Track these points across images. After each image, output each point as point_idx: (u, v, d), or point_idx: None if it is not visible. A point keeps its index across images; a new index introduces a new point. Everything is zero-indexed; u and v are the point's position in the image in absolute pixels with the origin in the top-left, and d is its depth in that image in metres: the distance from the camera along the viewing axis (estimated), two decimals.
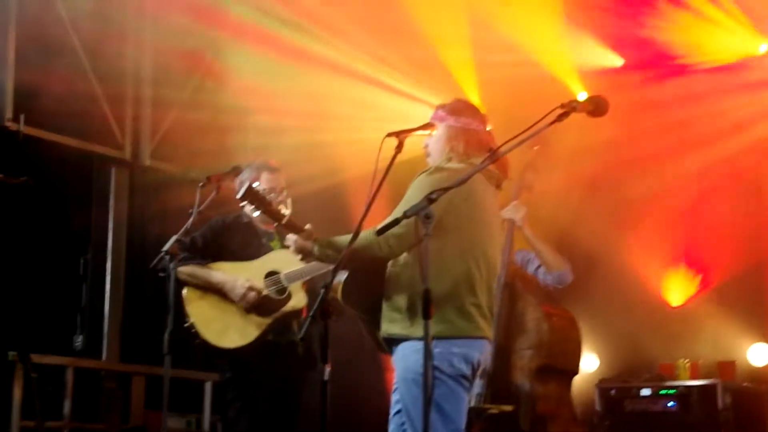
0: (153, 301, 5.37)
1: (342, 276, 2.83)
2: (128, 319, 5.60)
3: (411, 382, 2.73)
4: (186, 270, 3.56)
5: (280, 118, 5.48)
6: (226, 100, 5.63)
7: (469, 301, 2.77)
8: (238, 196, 2.96)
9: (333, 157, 5.46)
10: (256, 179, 3.68)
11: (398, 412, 2.82)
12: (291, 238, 2.86)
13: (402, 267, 2.77)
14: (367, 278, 2.79)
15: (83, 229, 5.59)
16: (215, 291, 3.58)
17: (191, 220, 3.40)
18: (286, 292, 3.59)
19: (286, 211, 2.89)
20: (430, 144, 2.94)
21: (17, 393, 4.61)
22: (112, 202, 5.63)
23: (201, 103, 5.62)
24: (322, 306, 2.66)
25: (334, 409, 2.75)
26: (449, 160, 2.86)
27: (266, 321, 3.54)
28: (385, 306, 2.79)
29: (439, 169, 2.82)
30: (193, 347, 3.58)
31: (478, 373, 2.85)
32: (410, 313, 2.72)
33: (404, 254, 2.77)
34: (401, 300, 2.75)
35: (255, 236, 3.72)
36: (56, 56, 5.03)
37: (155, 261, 3.48)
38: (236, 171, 3.64)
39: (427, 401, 2.46)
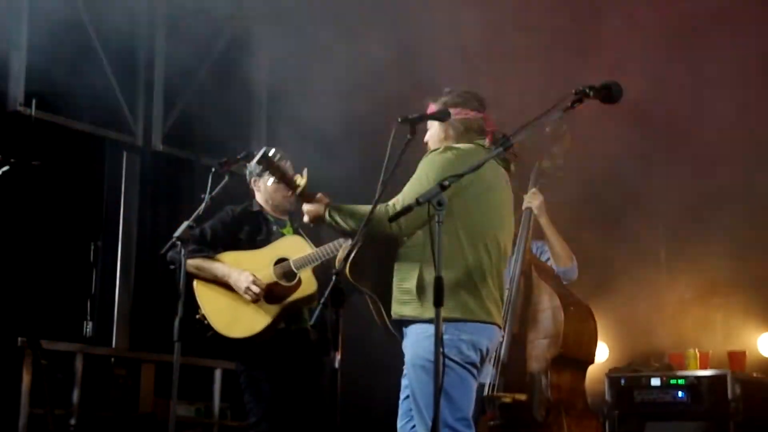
0: (163, 288, 5.37)
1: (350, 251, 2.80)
2: (138, 306, 5.61)
3: (420, 369, 2.72)
4: (193, 263, 3.57)
5: (296, 104, 5.46)
6: (238, 86, 5.62)
7: (480, 285, 2.76)
8: (255, 160, 2.95)
9: None
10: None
11: (407, 397, 2.81)
12: (305, 206, 2.85)
13: (413, 248, 2.76)
14: (377, 255, 2.76)
15: (94, 214, 5.60)
16: (223, 283, 3.59)
17: (203, 205, 3.40)
18: (296, 278, 3.59)
19: (301, 180, 2.88)
20: (427, 137, 2.94)
21: (26, 379, 4.62)
22: (123, 187, 5.65)
23: (214, 88, 5.61)
24: (333, 292, 2.66)
25: (345, 396, 2.75)
26: (455, 141, 2.85)
27: (276, 309, 3.55)
28: (395, 287, 2.78)
29: (448, 148, 2.82)
30: (205, 340, 3.58)
31: (487, 359, 2.84)
32: (421, 295, 2.71)
33: (416, 235, 2.75)
34: (411, 281, 2.73)
35: (265, 224, 3.72)
36: (68, 40, 5.02)
37: (166, 247, 3.49)
38: (249, 157, 3.62)
39: (438, 390, 2.46)
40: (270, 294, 3.56)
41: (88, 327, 5.46)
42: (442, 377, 2.51)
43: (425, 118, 2.94)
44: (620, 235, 5.37)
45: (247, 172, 3.79)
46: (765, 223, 5.08)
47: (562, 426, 3.62)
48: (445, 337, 2.59)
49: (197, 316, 3.57)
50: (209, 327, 3.56)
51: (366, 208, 2.72)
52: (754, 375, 4.89)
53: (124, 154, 5.67)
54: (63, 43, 5.00)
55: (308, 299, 3.61)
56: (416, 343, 2.74)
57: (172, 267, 3.54)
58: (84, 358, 4.98)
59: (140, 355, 5.39)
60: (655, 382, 4.75)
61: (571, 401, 3.72)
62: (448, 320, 2.62)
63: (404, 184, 2.86)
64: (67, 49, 5.03)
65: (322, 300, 2.72)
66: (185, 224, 3.36)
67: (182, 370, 3.26)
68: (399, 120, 2.80)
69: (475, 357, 2.75)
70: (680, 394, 4.69)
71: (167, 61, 5.61)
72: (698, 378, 4.70)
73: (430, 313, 2.57)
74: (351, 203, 2.87)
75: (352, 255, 2.74)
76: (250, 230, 3.69)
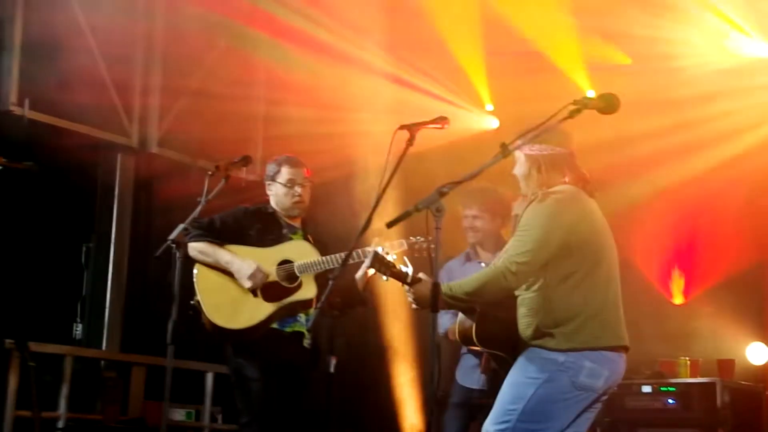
0: (155, 291, 5.36)
1: (466, 320, 2.88)
2: (130, 308, 5.59)
3: (515, 370, 2.75)
4: (197, 246, 3.55)
5: (291, 108, 5.47)
6: (236, 89, 5.61)
7: (609, 313, 2.78)
8: (366, 264, 2.95)
9: (344, 148, 5.46)
10: (278, 172, 3.70)
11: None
12: (412, 292, 2.84)
13: (536, 290, 2.76)
14: (495, 319, 2.81)
15: (87, 216, 5.57)
16: (224, 271, 3.56)
17: (199, 209, 3.39)
18: (297, 281, 3.59)
19: (407, 269, 2.91)
20: (516, 170, 2.95)
21: (13, 382, 4.57)
22: (117, 189, 5.61)
23: (211, 91, 5.59)
24: (328, 298, 2.67)
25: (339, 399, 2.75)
26: (547, 184, 2.85)
27: (273, 307, 3.54)
28: (529, 332, 2.76)
29: (546, 194, 2.82)
30: (197, 329, 3.55)
31: (608, 388, 2.80)
32: (554, 331, 2.71)
33: (533, 279, 2.76)
34: (546, 317, 2.73)
35: (277, 226, 3.71)
36: (63, 40, 4.99)
37: (160, 250, 3.47)
38: (246, 160, 3.64)
39: (433, 395, 2.50)
40: (268, 292, 3.55)
41: (78, 329, 5.43)
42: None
43: (424, 124, 2.96)
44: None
45: (265, 175, 3.79)
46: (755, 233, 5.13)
47: None
48: (568, 360, 2.66)
49: (191, 302, 3.54)
50: (202, 313, 3.52)
51: (474, 279, 2.76)
52: (743, 383, 4.93)
53: (119, 156, 5.64)
54: (57, 43, 4.97)
55: (306, 303, 3.61)
56: (532, 351, 2.74)
57: (173, 247, 3.46)
58: (73, 360, 4.94)
59: (131, 357, 5.36)
60: (646, 389, 4.79)
61: None
62: (575, 349, 2.67)
63: (401, 192, 2.87)
64: (62, 49, 5.00)
65: (319, 305, 2.72)
66: (180, 227, 3.35)
67: (173, 374, 3.25)
68: (398, 127, 2.82)
69: (592, 384, 2.71)
70: (670, 401, 4.73)
71: (164, 63, 5.59)
72: (688, 385, 4.74)
73: (563, 344, 2.67)
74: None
75: (475, 324, 2.84)
76: (261, 228, 3.68)
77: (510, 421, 2.68)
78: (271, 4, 5.30)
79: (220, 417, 5.58)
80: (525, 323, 2.76)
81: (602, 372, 2.71)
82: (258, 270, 3.51)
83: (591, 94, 5.16)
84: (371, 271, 3.48)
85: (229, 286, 3.54)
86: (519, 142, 2.70)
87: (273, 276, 3.58)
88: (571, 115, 2.67)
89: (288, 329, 3.59)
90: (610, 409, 4.80)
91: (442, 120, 2.97)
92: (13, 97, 4.94)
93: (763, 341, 5.16)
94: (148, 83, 5.60)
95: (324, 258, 3.56)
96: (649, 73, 5.25)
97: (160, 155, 5.66)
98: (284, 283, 3.57)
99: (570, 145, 2.90)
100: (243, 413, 3.57)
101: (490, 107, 5.84)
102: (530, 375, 2.70)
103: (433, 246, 2.58)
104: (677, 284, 5.52)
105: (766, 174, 5.13)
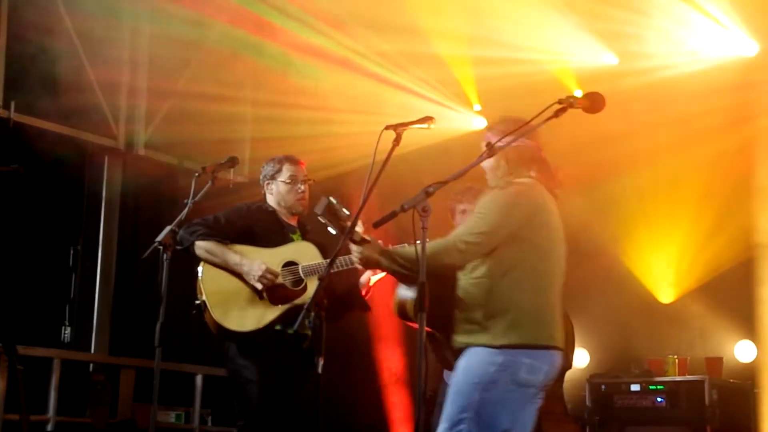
0: (143, 293, 5.34)
1: (406, 292, 2.82)
2: (118, 311, 5.57)
3: (460, 375, 2.73)
4: (204, 245, 3.51)
5: (278, 109, 5.46)
6: (223, 90, 5.60)
7: (547, 311, 2.77)
8: (318, 210, 2.91)
9: (331, 149, 5.46)
10: (279, 171, 3.68)
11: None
12: (356, 249, 2.83)
13: (480, 279, 2.75)
14: (437, 293, 2.73)
15: (74, 219, 5.55)
16: (231, 271, 3.53)
17: (186, 210, 3.38)
18: (303, 284, 3.57)
19: (358, 229, 2.87)
20: (484, 165, 2.92)
21: (1, 385, 4.56)
22: (104, 192, 5.60)
23: (197, 92, 5.58)
24: (316, 298, 2.66)
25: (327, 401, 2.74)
26: (509, 176, 2.84)
27: (279, 309, 3.51)
28: (461, 318, 2.77)
29: (509, 183, 2.81)
30: (191, 329, 3.51)
31: (546, 384, 2.80)
32: (488, 323, 2.71)
33: (482, 268, 2.74)
34: (479, 311, 2.73)
35: (278, 225, 3.70)
36: (49, 42, 4.97)
37: (147, 252, 3.45)
38: (232, 162, 3.62)
39: (421, 393, 2.49)
40: (274, 295, 3.54)
41: (67, 332, 5.40)
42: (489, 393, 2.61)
43: (410, 124, 2.96)
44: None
45: (261, 176, 3.77)
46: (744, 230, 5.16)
47: (541, 431, 3.63)
48: (506, 358, 2.66)
49: (197, 302, 3.51)
50: (205, 313, 3.49)
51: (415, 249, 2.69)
52: (731, 381, 4.96)
53: (106, 158, 5.62)
54: (43, 46, 4.95)
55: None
56: (472, 355, 2.73)
57: (179, 248, 3.45)
58: (62, 364, 4.93)
59: (119, 360, 5.34)
60: (635, 387, 4.82)
61: (550, 407, 3.73)
62: (511, 346, 2.67)
63: (389, 191, 2.87)
64: (48, 52, 4.98)
65: (306, 306, 2.71)
66: (167, 229, 3.34)
67: (163, 376, 3.24)
68: (384, 127, 2.82)
69: (532, 380, 2.73)
70: (659, 399, 4.75)
71: (150, 65, 5.58)
72: (677, 383, 4.79)
73: (498, 340, 2.64)
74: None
75: (412, 299, 2.76)
76: (264, 227, 3.65)
77: (462, 430, 2.68)
78: (256, 4, 5.29)
79: (209, 419, 5.57)
80: (461, 309, 2.76)
81: (541, 367, 2.74)
82: (267, 271, 3.49)
83: (578, 93, 5.18)
84: (374, 279, 3.49)
85: (235, 288, 3.51)
86: (503, 141, 2.70)
87: (280, 278, 3.56)
88: (557, 114, 2.68)
89: (290, 331, 3.56)
90: (599, 407, 4.83)
91: (428, 120, 2.96)
92: None
93: (751, 339, 5.19)
94: (135, 85, 5.59)
95: (328, 260, 3.53)
96: (635, 72, 5.27)
97: (147, 157, 5.65)
98: (290, 286, 3.55)
99: (537, 139, 2.90)
100: (240, 415, 3.56)
101: (477, 107, 5.86)
102: (472, 380, 2.70)
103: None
104: (666, 283, 5.55)
105: (753, 172, 5.16)
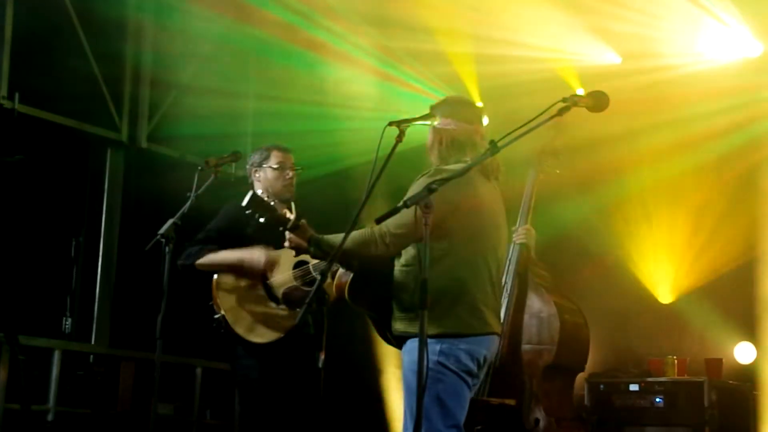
0: (145, 286, 5.35)
1: (347, 276, 2.85)
2: (119, 302, 5.58)
3: (411, 374, 2.75)
4: (203, 262, 3.56)
5: (281, 104, 5.47)
6: (226, 84, 5.60)
7: (479, 298, 2.79)
8: (244, 204, 2.94)
9: (334, 144, 5.47)
10: (267, 158, 3.70)
11: None
12: (288, 235, 2.87)
13: (409, 267, 2.79)
14: (373, 278, 2.81)
15: (76, 210, 5.55)
16: (237, 272, 3.55)
17: (188, 204, 3.39)
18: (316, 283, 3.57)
19: (291, 215, 2.88)
20: (427, 145, 2.96)
21: (2, 375, 4.57)
22: (107, 184, 5.60)
23: (200, 86, 5.59)
24: (317, 293, 2.67)
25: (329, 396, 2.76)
26: (445, 160, 2.87)
27: (298, 312, 3.50)
28: (394, 306, 2.82)
29: (438, 170, 2.84)
30: (217, 338, 3.55)
31: (484, 369, 2.86)
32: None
33: (411, 254, 2.78)
34: (410, 299, 2.76)
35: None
36: (54, 34, 4.98)
37: (150, 244, 3.46)
38: (235, 156, 3.63)
39: (422, 390, 2.49)
40: (289, 299, 3.55)
41: (68, 323, 5.41)
42: (435, 384, 2.59)
43: (413, 120, 2.96)
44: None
45: (248, 165, 3.77)
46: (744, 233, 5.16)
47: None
48: (443, 346, 2.67)
49: (216, 316, 3.52)
50: (226, 329, 3.51)
51: (348, 238, 2.71)
52: (731, 382, 4.96)
53: (109, 150, 5.63)
54: (48, 37, 4.95)
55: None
56: (412, 350, 2.73)
57: (162, 242, 3.42)
58: (62, 355, 4.94)
59: (120, 352, 5.35)
60: (634, 387, 4.81)
61: (561, 409, 3.72)
62: (447, 335, 2.69)
63: (391, 186, 2.88)
64: (52, 43, 4.98)
65: (307, 301, 2.72)
66: (170, 222, 3.35)
67: (162, 368, 3.24)
68: (388, 123, 2.82)
69: (473, 366, 2.78)
70: (658, 399, 4.75)
71: (154, 58, 5.58)
72: (676, 384, 4.77)
73: (431, 329, 2.62)
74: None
75: (350, 280, 2.82)
76: (258, 224, 3.68)
77: (429, 429, 2.70)
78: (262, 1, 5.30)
79: (208, 412, 5.58)
80: (395, 295, 2.79)
81: (480, 351, 2.78)
82: (267, 255, 3.50)
83: (580, 92, 5.18)
84: None
85: (251, 299, 3.54)
86: (508, 139, 2.70)
87: (292, 281, 3.58)
88: (561, 112, 2.68)
89: (305, 329, 3.57)
90: (598, 407, 4.83)
91: (431, 116, 2.97)
92: (3, 91, 4.93)
93: (750, 341, 5.19)
94: (139, 78, 5.59)
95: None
96: (638, 71, 5.27)
97: (150, 150, 5.66)
98: (304, 287, 3.56)
99: (477, 122, 2.89)
100: (244, 414, 3.57)
101: (480, 105, 5.86)
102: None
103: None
104: (666, 282, 5.55)
105: (755, 173, 5.16)
